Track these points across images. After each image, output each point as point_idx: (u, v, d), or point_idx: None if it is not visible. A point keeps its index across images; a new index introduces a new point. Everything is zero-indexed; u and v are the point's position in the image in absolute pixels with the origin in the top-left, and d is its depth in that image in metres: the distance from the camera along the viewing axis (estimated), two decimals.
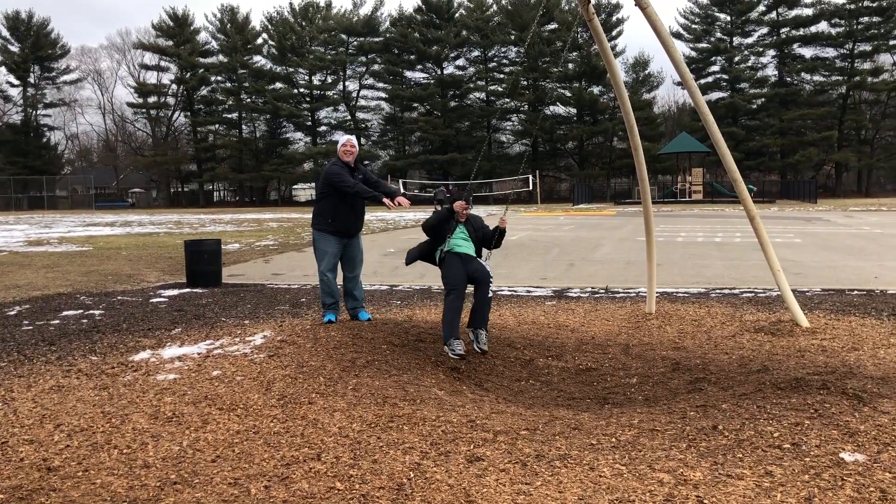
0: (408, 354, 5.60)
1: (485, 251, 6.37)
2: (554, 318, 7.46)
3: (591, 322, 7.24)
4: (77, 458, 3.66)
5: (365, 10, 76.17)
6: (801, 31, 69.29)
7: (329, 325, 6.52)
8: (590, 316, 7.57)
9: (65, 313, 8.19)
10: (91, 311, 8.27)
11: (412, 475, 3.32)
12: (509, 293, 9.54)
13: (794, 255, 13.66)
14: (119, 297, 9.41)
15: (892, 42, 67.50)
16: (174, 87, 77.02)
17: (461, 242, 6.15)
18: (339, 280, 6.99)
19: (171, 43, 75.09)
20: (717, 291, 9.36)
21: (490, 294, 5.99)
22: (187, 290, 10.21)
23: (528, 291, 9.73)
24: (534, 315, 7.68)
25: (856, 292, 9.06)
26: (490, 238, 6.29)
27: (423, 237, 6.36)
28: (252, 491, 3.23)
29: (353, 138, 6.98)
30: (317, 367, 5.14)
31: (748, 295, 8.92)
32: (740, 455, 3.39)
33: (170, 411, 4.35)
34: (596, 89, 69.18)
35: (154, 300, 9.14)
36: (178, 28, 75.43)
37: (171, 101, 77.91)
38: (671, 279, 10.61)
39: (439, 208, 6.27)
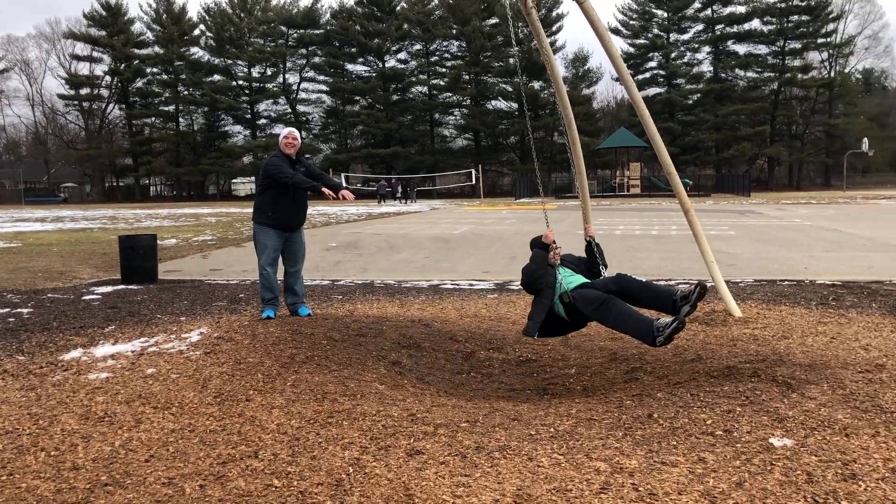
0: (349, 349, 5.56)
1: (603, 271, 5.64)
2: (495, 311, 7.50)
3: None
4: (1, 462, 3.53)
5: (305, 1, 75.29)
6: (735, 28, 71.23)
7: (268, 321, 6.43)
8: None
9: None
10: (19, 310, 7.98)
11: (351, 470, 3.29)
12: (452, 287, 9.55)
13: (728, 247, 14.02)
14: (49, 295, 9.11)
15: (820, 40, 69.92)
16: (108, 78, 74.93)
17: (572, 278, 5.26)
18: (281, 275, 6.90)
19: (104, 33, 73.03)
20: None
21: (637, 277, 5.17)
22: (122, 286, 9.94)
23: (471, 285, 9.77)
24: (476, 308, 7.71)
25: (786, 282, 9.34)
26: (592, 260, 5.61)
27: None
28: (187, 490, 3.16)
29: (295, 130, 6.89)
30: (255, 364, 5.06)
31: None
32: (674, 442, 3.46)
33: (101, 411, 4.23)
34: (536, 84, 69.81)
35: (87, 297, 8.87)
36: (111, 18, 73.38)
37: (104, 93, 75.82)
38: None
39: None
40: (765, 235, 16.82)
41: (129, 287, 9.87)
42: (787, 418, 3.66)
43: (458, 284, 9.81)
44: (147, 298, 8.71)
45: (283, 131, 6.82)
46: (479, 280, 10.25)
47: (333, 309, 7.66)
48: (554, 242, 5.36)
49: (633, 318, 4.67)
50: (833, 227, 18.86)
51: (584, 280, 5.26)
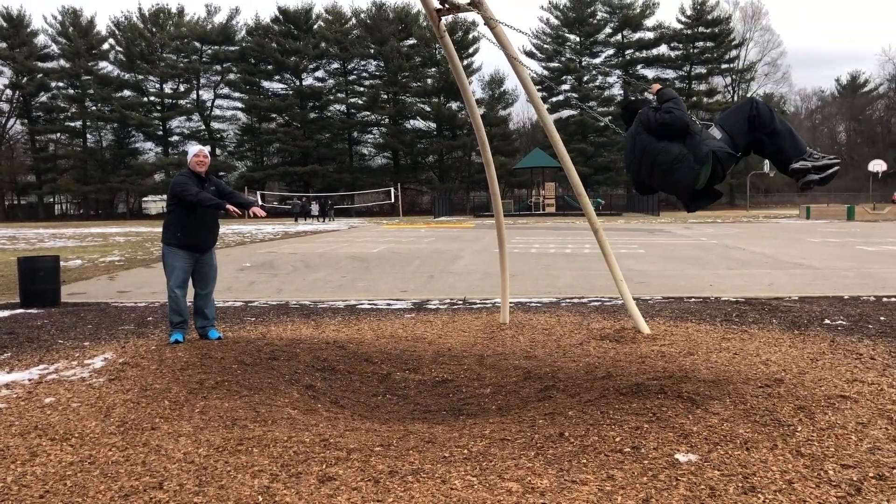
0: (260, 374, 5.44)
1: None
2: (412, 331, 7.49)
3: (449, 334, 7.32)
4: None
5: (220, 17, 74.11)
6: (644, 53, 73.93)
7: (176, 345, 6.24)
8: (447, 328, 7.65)
9: None
10: None
11: (261, 499, 3.21)
12: (369, 307, 9.49)
13: (638, 265, 14.43)
14: None
15: (724, 66, 73.27)
16: (8, 92, 71.71)
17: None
18: (190, 298, 6.71)
19: (4, 45, 69.94)
20: (567, 301, 9.73)
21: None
22: (20, 310, 9.47)
23: (389, 304, 9.73)
24: (392, 328, 7.68)
25: (693, 299, 9.67)
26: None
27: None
28: None
29: (206, 149, 6.75)
30: (161, 390, 4.90)
31: (596, 303, 9.33)
32: (585, 460, 3.52)
33: None
34: (454, 105, 70.56)
35: None
36: (12, 29, 70.41)
37: (4, 106, 72.47)
38: (525, 289, 10.92)
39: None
40: (673, 253, 17.39)
41: (29, 311, 9.42)
42: (692, 434, 3.78)
43: (375, 304, 9.76)
44: (48, 323, 8.32)
45: (192, 149, 6.66)
46: (397, 299, 10.23)
47: (246, 332, 7.50)
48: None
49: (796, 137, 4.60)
50: (737, 246, 19.66)
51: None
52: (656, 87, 5.02)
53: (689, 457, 3.50)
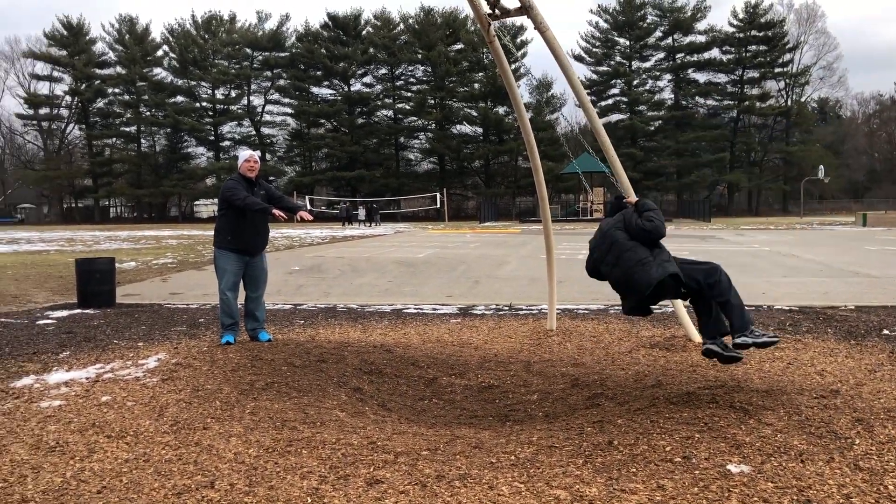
0: (309, 375, 5.50)
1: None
2: (458, 336, 7.49)
3: (495, 339, 7.30)
4: None
5: (270, 24, 75.26)
6: (695, 57, 72.83)
7: (227, 346, 6.34)
8: (493, 333, 7.64)
9: None
10: None
11: (310, 500, 3.24)
12: (415, 311, 9.53)
13: None
14: (2, 320, 8.89)
15: (777, 70, 71.78)
16: (68, 98, 73.88)
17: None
18: (241, 300, 6.82)
19: (64, 52, 72.09)
20: (616, 308, 9.61)
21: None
22: (78, 311, 9.74)
23: (434, 309, 9.75)
24: (439, 333, 7.69)
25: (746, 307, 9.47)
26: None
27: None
28: None
29: (256, 154, 6.85)
30: (213, 391, 4.98)
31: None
32: (634, 469, 3.47)
33: (53, 440, 4.12)
34: (501, 109, 70.47)
35: (41, 322, 8.67)
36: (72, 37, 72.53)
37: (64, 112, 74.69)
38: (572, 296, 10.84)
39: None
40: (725, 261, 17.02)
41: (86, 311, 9.68)
42: (745, 444, 3.70)
43: (421, 309, 9.79)
44: (104, 323, 8.54)
45: (243, 154, 6.77)
46: (443, 304, 10.24)
47: (295, 334, 7.59)
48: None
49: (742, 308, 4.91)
50: (790, 253, 19.23)
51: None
52: (633, 199, 5.41)
53: (742, 468, 3.43)
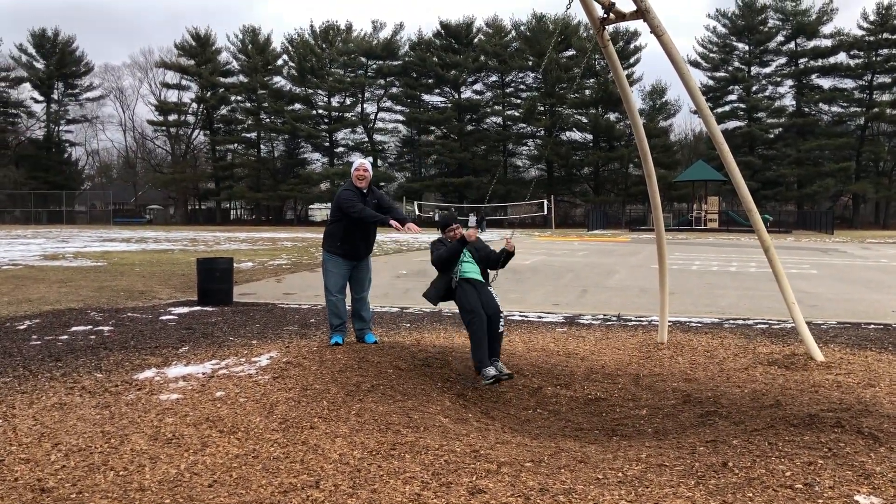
0: (414, 379, 5.53)
1: (491, 273, 6.30)
2: (564, 346, 7.36)
3: (602, 350, 7.13)
4: (72, 480, 3.61)
5: (384, 33, 76.76)
6: (820, 62, 69.20)
7: (335, 347, 6.46)
8: (600, 344, 7.47)
9: (74, 329, 8.17)
10: (100, 328, 8.26)
11: None
12: (520, 318, 9.44)
13: (810, 287, 13.49)
14: (129, 314, 9.41)
15: None
16: (194, 105, 77.82)
17: (468, 268, 6.11)
18: (349, 301, 6.95)
19: (192, 62, 76.00)
20: (731, 322, 9.23)
21: (502, 328, 5.90)
22: (198, 308, 10.20)
23: (540, 317, 9.64)
24: (544, 342, 7.59)
25: (872, 326, 8.90)
26: (496, 260, 6.16)
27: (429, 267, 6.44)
28: None
29: (367, 162, 6.95)
30: (321, 391, 5.08)
31: (762, 326, 8.79)
32: (750, 494, 3.28)
33: (170, 432, 4.29)
34: (612, 116, 69.24)
35: (164, 318, 9.13)
36: (199, 48, 76.36)
37: (190, 119, 78.70)
38: (684, 308, 10.48)
39: (444, 237, 6.23)
40: (849, 276, 16.13)
41: (205, 308, 10.11)
42: (874, 474, 3.44)
43: (526, 316, 9.70)
44: (221, 321, 8.89)
45: (354, 163, 6.89)
46: (549, 312, 10.11)
47: (401, 337, 7.66)
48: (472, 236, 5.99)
49: (478, 347, 5.67)
50: None
51: (477, 277, 6.09)
52: (511, 244, 6.04)
53: (872, 499, 3.19)
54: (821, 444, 3.83)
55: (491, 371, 5.56)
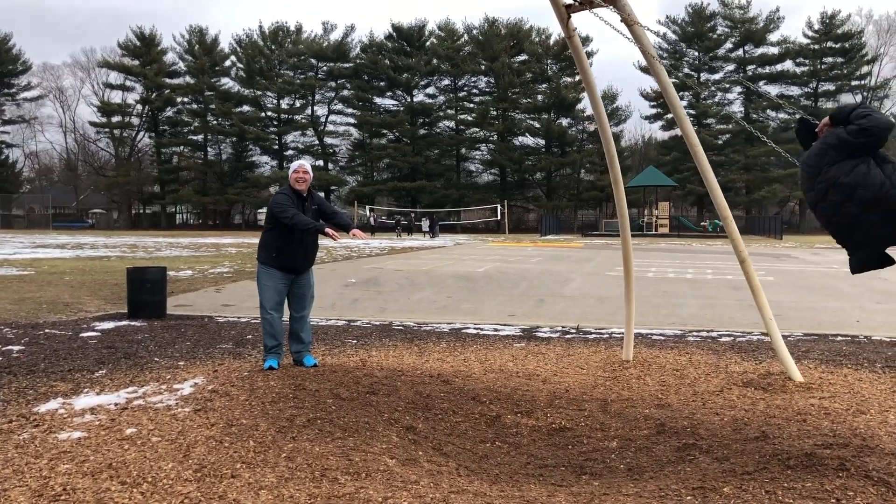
0: (357, 410, 4.88)
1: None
2: (524, 366, 6.78)
3: (564, 370, 6.57)
4: None
5: (335, 35, 75.89)
6: (767, 69, 70.54)
7: (269, 372, 5.78)
8: (562, 362, 6.92)
9: None
10: (9, 347, 7.41)
11: None
12: (475, 331, 8.85)
13: (770, 295, 13.13)
14: (46, 331, 8.55)
15: (854, 83, 68.97)
16: (139, 107, 75.80)
17: None
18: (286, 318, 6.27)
19: (137, 62, 74.04)
20: (695, 334, 8.79)
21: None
22: (126, 322, 9.37)
23: (496, 330, 9.07)
24: (502, 360, 7.00)
25: (840, 338, 8.54)
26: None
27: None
28: None
29: (306, 164, 6.26)
30: (248, 427, 4.40)
31: (727, 339, 8.35)
32: None
33: (60, 485, 3.58)
34: (564, 121, 69.46)
35: (84, 335, 8.29)
36: (144, 48, 74.43)
37: (135, 121, 76.65)
38: (645, 319, 10.02)
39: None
40: (806, 282, 15.95)
41: (133, 323, 9.30)
42: None
43: (481, 329, 9.12)
44: (148, 337, 8.11)
45: (292, 165, 6.20)
46: (505, 325, 9.55)
47: (345, 356, 7.00)
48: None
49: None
50: (878, 276, 17.90)
51: None
52: (826, 122, 3.87)
53: None
54: (827, 494, 3.30)
55: None
